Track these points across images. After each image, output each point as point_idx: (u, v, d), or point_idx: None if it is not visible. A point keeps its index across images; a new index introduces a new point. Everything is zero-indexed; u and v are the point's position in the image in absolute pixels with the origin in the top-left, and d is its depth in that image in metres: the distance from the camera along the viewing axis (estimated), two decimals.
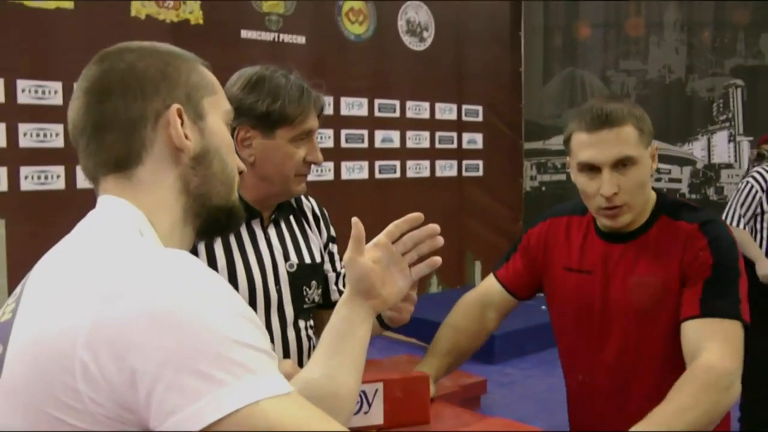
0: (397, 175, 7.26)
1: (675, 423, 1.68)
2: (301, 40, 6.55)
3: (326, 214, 2.37)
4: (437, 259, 1.53)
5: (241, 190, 2.05)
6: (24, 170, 5.15)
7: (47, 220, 4.82)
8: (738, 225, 4.47)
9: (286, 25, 6.44)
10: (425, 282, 7.31)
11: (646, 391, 2.00)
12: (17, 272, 4.47)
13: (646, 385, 2.03)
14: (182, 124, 1.16)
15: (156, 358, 0.91)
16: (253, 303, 2.06)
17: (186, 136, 1.16)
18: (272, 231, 2.16)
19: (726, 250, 1.96)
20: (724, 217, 4.50)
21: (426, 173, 7.50)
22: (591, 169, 2.00)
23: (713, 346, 1.82)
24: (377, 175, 7.10)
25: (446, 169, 7.66)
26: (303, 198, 2.32)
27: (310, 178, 6.65)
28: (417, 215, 1.50)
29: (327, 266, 2.33)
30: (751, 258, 4.34)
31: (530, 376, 5.85)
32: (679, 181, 7.89)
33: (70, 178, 5.23)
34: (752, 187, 4.53)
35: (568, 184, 7.50)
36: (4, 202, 5.04)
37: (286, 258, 2.15)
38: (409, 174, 7.35)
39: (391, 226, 1.49)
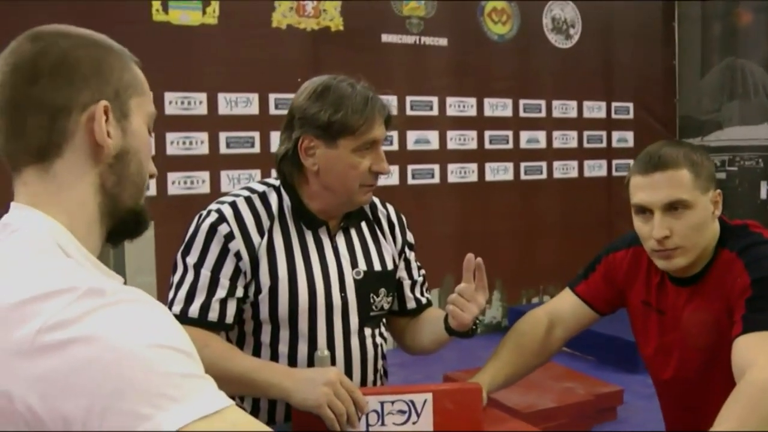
0: (544, 176, 7.13)
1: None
2: (443, 42, 6.53)
3: (404, 220, 2.37)
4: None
5: (307, 198, 2.08)
6: (171, 176, 5.43)
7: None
8: None
9: (427, 27, 6.44)
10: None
11: None
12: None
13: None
14: (107, 121, 1.16)
15: (82, 404, 0.93)
16: (313, 310, 2.10)
17: (108, 134, 1.16)
18: (341, 239, 2.19)
19: (766, 267, 1.92)
20: None
21: (574, 174, 7.34)
22: (644, 211, 2.03)
23: (759, 360, 1.76)
24: (522, 177, 7.00)
25: (595, 169, 7.47)
26: (379, 205, 2.33)
27: (454, 179, 6.66)
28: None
29: (402, 273, 2.33)
30: None
31: None
32: None
33: (215, 183, 5.52)
34: None
35: (728, 183, 7.17)
36: (156, 205, 5.27)
37: (354, 265, 2.17)
38: (556, 175, 7.21)
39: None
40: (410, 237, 2.37)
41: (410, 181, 6.33)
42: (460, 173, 6.67)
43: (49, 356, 0.94)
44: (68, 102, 1.14)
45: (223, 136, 5.60)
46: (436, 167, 6.50)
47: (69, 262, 1.09)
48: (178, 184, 5.46)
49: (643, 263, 2.21)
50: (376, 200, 2.31)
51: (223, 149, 5.60)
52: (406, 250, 2.35)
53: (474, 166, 6.76)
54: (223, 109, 5.54)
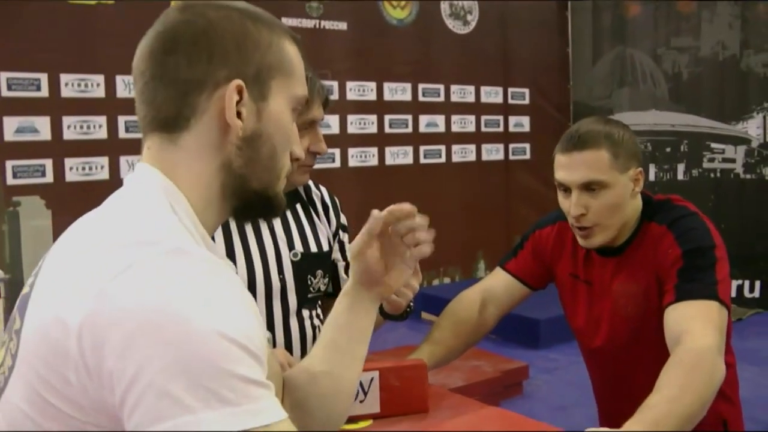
0: (443, 159, 7.21)
1: (668, 419, 1.65)
2: (342, 26, 6.54)
3: (337, 202, 2.37)
4: (426, 250, 1.48)
5: None
6: (69, 162, 5.27)
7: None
8: None
9: (326, 11, 6.43)
10: (472, 266, 7.29)
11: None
12: None
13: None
14: (240, 101, 1.11)
15: (131, 368, 0.89)
16: (252, 291, 2.08)
17: (239, 115, 1.12)
18: (277, 221, 2.18)
19: (697, 239, 1.99)
20: None
21: (472, 157, 7.44)
22: (565, 188, 2.07)
23: (692, 328, 1.81)
24: (422, 160, 7.06)
25: (493, 152, 7.60)
26: (313, 186, 2.33)
27: (354, 164, 6.63)
28: (411, 208, 1.45)
29: (337, 255, 2.33)
30: None
31: (575, 362, 5.66)
32: (733, 161, 7.70)
33: (114, 169, 5.38)
34: None
35: None
36: (50, 193, 5.16)
37: (291, 247, 2.16)
38: (455, 158, 7.29)
39: (385, 213, 1.44)
40: (344, 219, 2.38)
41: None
42: (361, 157, 6.70)
43: (117, 305, 0.92)
44: (202, 78, 1.11)
45: (122, 120, 5.43)
46: (337, 151, 6.51)
47: (169, 218, 1.07)
48: (75, 170, 5.28)
49: (568, 238, 2.26)
50: (310, 182, 2.31)
51: (122, 134, 5.44)
52: (340, 232, 2.36)
53: (374, 150, 6.79)
54: (121, 91, 5.39)
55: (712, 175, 7.73)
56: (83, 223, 1.12)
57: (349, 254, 2.09)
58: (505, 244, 7.56)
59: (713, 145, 7.71)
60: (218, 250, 1.22)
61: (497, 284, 2.38)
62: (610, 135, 2.03)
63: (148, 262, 0.95)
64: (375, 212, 1.41)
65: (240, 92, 1.11)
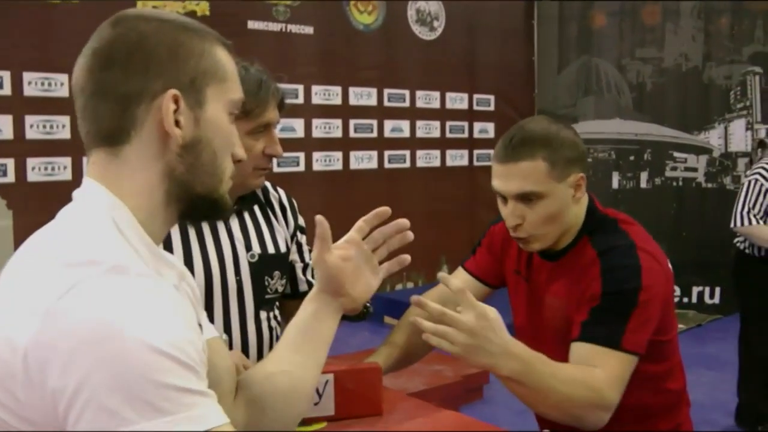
0: (407, 164, 7.24)
1: (536, 375, 1.76)
2: (309, 30, 6.54)
3: (295, 204, 2.37)
4: (406, 257, 1.50)
5: None
6: (31, 161, 5.22)
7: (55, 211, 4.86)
8: (753, 223, 4.33)
9: (293, 15, 6.43)
10: (436, 271, 7.26)
11: None
12: None
13: None
14: (177, 110, 1.12)
15: (71, 385, 0.92)
16: (209, 293, 2.07)
17: (178, 123, 1.13)
18: (234, 222, 2.16)
19: (620, 280, 1.91)
20: (734, 218, 4.41)
21: (437, 163, 7.48)
22: (502, 197, 2.01)
23: (596, 372, 1.83)
24: (386, 165, 7.09)
25: (457, 158, 7.63)
26: (270, 188, 2.32)
27: (319, 167, 6.62)
28: (385, 209, 1.46)
29: (294, 256, 2.33)
30: None
31: None
32: (695, 170, 7.79)
33: (78, 169, 5.32)
34: (761, 184, 4.38)
35: None
36: (12, 193, 5.10)
37: (248, 248, 2.15)
38: (419, 164, 7.33)
39: (360, 222, 1.46)
40: (301, 221, 2.36)
41: (276, 168, 6.24)
42: (326, 161, 6.70)
43: (59, 325, 0.94)
44: (140, 90, 1.12)
45: None
46: (302, 155, 6.51)
47: (112, 236, 1.09)
48: (38, 170, 5.24)
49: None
50: (268, 184, 2.30)
51: None
52: (298, 233, 2.35)
53: (339, 155, 6.80)
54: None
55: (674, 183, 7.82)
56: (36, 240, 1.13)
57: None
58: (469, 250, 7.56)
59: (676, 154, 7.80)
60: (166, 256, 1.23)
61: (439, 299, 2.35)
62: (548, 142, 1.95)
63: (89, 281, 0.98)
64: (318, 218, 1.41)
65: (177, 101, 1.13)
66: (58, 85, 5.28)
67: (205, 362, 1.04)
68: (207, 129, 1.17)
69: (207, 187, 1.19)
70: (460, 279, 2.34)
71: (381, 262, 1.50)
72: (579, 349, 1.88)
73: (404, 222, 1.48)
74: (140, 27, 1.14)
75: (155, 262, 1.14)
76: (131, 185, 1.14)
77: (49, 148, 5.29)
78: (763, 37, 8.13)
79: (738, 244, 4.55)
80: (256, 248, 2.17)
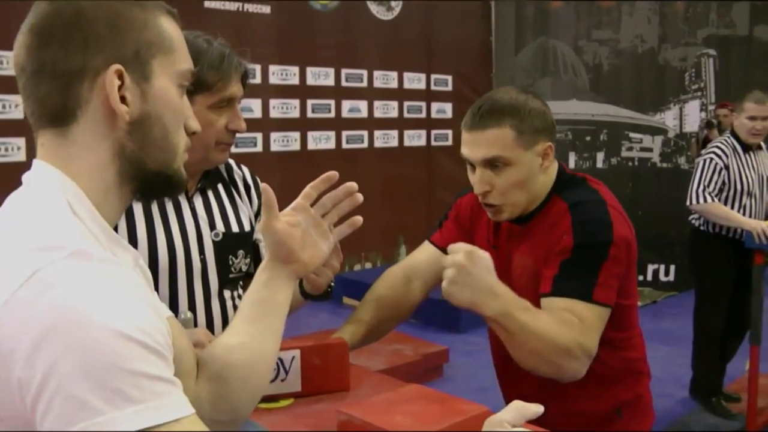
0: (365, 145, 7.23)
1: (516, 322, 1.81)
2: (266, 9, 6.48)
3: (258, 182, 2.34)
4: (358, 218, 1.48)
5: None
6: None
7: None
8: (708, 201, 4.46)
9: None
10: (393, 251, 7.31)
11: None
12: None
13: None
14: (122, 86, 1.07)
15: (38, 374, 0.89)
16: (174, 273, 2.03)
17: (124, 99, 1.08)
18: (198, 200, 2.13)
19: (591, 233, 1.95)
20: (689, 196, 4.53)
21: (394, 143, 7.48)
22: (471, 165, 2.04)
23: (574, 321, 1.86)
24: (344, 146, 7.08)
25: (415, 138, 7.64)
26: (234, 166, 2.29)
27: (277, 148, 6.55)
28: (332, 173, 1.45)
29: (258, 235, 2.30)
30: (737, 224, 4.35)
31: None
32: (650, 150, 7.88)
33: (31, 151, 5.18)
34: (716, 163, 4.49)
35: None
36: None
37: (212, 227, 2.12)
38: (377, 144, 7.33)
39: (307, 188, 1.44)
40: None
41: (233, 149, 6.17)
42: (283, 142, 6.66)
43: (22, 314, 0.91)
44: (81, 67, 1.06)
45: None
46: (259, 136, 6.47)
47: (69, 220, 1.05)
48: None
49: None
50: (232, 162, 2.27)
51: None
52: (262, 212, 2.32)
53: (297, 135, 6.77)
54: None
55: (630, 163, 7.90)
56: None
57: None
58: (427, 230, 7.55)
59: (631, 134, 7.87)
60: (122, 241, 1.20)
61: (421, 258, 2.35)
62: (516, 110, 1.98)
63: (50, 267, 0.94)
64: (263, 186, 1.40)
65: (121, 76, 1.07)
66: (5, 63, 5.18)
67: (171, 347, 1.01)
68: (156, 103, 1.12)
69: (160, 163, 1.15)
70: (424, 253, 2.35)
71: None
72: (551, 303, 1.91)
73: (352, 185, 1.46)
74: (76, 1, 1.08)
75: (111, 245, 1.11)
76: (82, 166, 1.10)
77: (1, 128, 5.19)
78: (717, 20, 8.24)
79: (693, 221, 4.66)
80: (220, 227, 2.14)
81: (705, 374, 4.64)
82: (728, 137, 4.63)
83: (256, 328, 1.40)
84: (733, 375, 4.83)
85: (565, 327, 1.84)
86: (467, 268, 1.76)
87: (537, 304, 1.93)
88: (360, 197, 1.47)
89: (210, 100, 1.99)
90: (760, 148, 4.63)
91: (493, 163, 1.98)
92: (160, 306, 1.11)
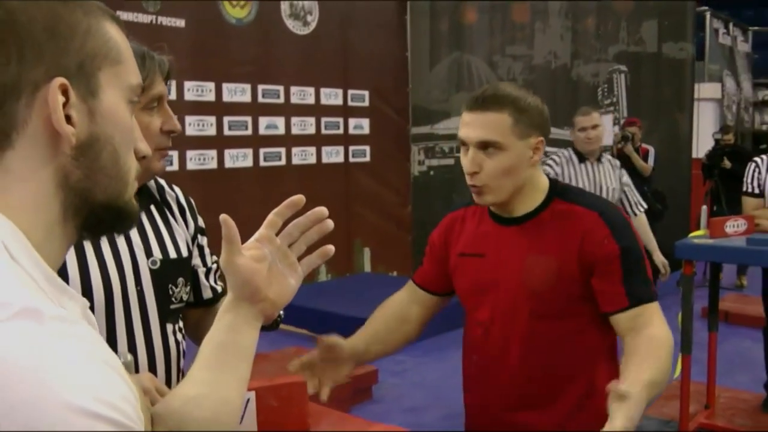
0: (283, 162, 7.12)
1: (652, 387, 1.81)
2: (180, 23, 6.32)
3: (193, 203, 2.19)
4: (330, 248, 1.33)
5: None
6: None
7: None
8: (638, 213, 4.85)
9: (164, 7, 6.20)
10: (314, 271, 7.17)
11: (540, 368, 2.14)
12: None
13: (538, 365, 2.14)
14: (67, 103, 0.90)
15: None
16: (111, 309, 1.84)
17: (69, 119, 0.90)
18: None
19: (629, 237, 2.09)
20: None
21: (312, 160, 7.38)
22: (465, 145, 2.11)
23: (654, 321, 2.01)
24: (262, 163, 6.94)
25: (333, 155, 7.56)
26: (166, 187, 2.14)
27: (193, 167, 6.36)
28: (298, 197, 1.30)
29: (196, 261, 2.15)
30: (648, 247, 4.51)
31: (423, 363, 5.82)
32: None
33: None
34: (548, 173, 4.81)
35: (456, 169, 7.47)
36: None
37: (149, 254, 1.95)
38: (295, 161, 7.22)
39: (271, 216, 1.28)
40: (201, 221, 2.17)
41: None
42: (199, 160, 6.49)
43: None
44: (15, 80, 0.89)
45: None
46: (175, 154, 6.28)
47: (9, 268, 0.88)
48: None
49: (457, 222, 2.30)
50: (163, 182, 2.12)
51: None
52: (199, 235, 2.16)
53: (213, 153, 6.61)
54: None
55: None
56: None
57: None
58: (345, 247, 7.52)
59: (546, 148, 7.92)
60: (68, 288, 1.03)
61: (403, 297, 2.42)
62: (517, 101, 2.07)
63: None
64: (223, 217, 1.26)
65: (65, 92, 0.91)
66: None
67: (141, 418, 0.86)
68: (105, 123, 0.95)
69: (110, 193, 0.98)
70: (409, 293, 2.41)
71: (300, 258, 1.33)
72: (630, 316, 2.03)
73: (322, 210, 1.32)
74: (7, 3, 0.91)
75: (56, 294, 0.94)
76: (21, 200, 0.93)
77: None
78: (627, 38, 8.41)
79: None
80: (158, 253, 1.98)
81: None
82: (567, 150, 5.12)
83: (219, 376, 1.25)
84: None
85: (653, 343, 1.95)
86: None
87: (555, 297, 2.07)
88: (330, 223, 1.33)
89: (140, 101, 1.86)
90: (599, 160, 5.05)
91: (486, 147, 2.05)
92: (116, 362, 0.96)
